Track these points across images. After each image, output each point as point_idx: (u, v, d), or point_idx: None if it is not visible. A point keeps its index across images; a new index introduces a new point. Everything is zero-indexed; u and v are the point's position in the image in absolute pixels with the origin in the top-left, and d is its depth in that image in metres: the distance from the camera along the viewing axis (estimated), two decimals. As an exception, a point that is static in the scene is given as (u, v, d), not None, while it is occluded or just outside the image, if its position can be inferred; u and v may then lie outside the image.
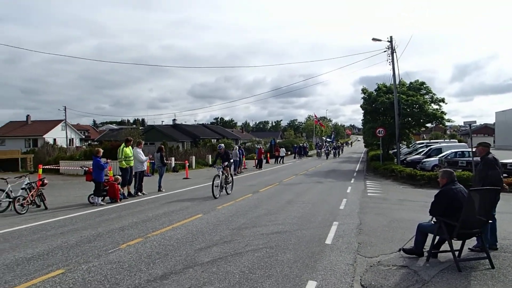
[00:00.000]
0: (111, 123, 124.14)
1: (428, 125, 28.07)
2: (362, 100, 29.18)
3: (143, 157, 13.37)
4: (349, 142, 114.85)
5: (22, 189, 10.68)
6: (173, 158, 27.16)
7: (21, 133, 60.90)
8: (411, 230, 8.11)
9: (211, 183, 12.94)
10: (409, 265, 5.69)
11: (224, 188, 13.33)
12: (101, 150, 12.06)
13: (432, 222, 5.98)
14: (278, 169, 28.99)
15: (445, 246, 5.82)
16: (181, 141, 56.83)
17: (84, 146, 55.85)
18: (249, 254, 6.18)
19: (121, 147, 12.68)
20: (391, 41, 24.01)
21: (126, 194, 12.77)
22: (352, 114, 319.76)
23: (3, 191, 10.37)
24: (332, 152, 50.02)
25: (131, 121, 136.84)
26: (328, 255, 6.24)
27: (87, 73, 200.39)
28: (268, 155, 39.53)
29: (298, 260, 5.95)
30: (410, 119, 27.26)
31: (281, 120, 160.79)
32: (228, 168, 13.91)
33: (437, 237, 5.92)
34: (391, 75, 25.06)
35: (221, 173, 12.99)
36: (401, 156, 29.26)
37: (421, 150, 30.99)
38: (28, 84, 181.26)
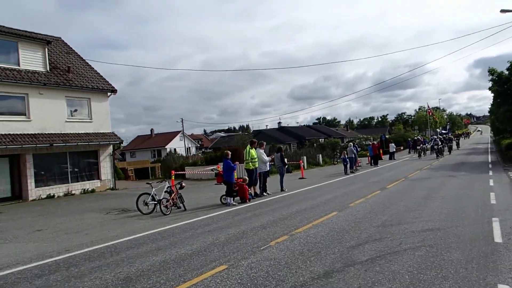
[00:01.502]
0: (219, 131, 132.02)
1: None
2: (491, 82, 25.66)
3: (266, 158, 13.61)
4: (467, 132, 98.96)
5: (165, 192, 11.65)
6: (285, 159, 27.35)
7: (147, 145, 68.40)
8: None
9: None
10: None
11: None
12: (230, 153, 12.60)
13: None
14: (396, 165, 27.17)
15: None
16: (287, 143, 57.52)
17: (199, 154, 60.06)
18: (408, 253, 5.64)
19: (247, 149, 13.10)
20: (527, 10, 20.65)
21: (252, 194, 13.11)
22: (467, 102, 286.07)
23: (149, 194, 11.43)
24: (438, 147, 31.94)
25: (237, 127, 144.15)
26: (506, 255, 5.36)
27: (196, 86, 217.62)
28: (381, 151, 37.42)
29: (471, 260, 5.22)
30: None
31: (387, 114, 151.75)
32: None
33: None
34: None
35: None
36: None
37: None
38: (148, 102, 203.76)
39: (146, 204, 11.25)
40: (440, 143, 32.99)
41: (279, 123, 69.64)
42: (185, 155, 53.41)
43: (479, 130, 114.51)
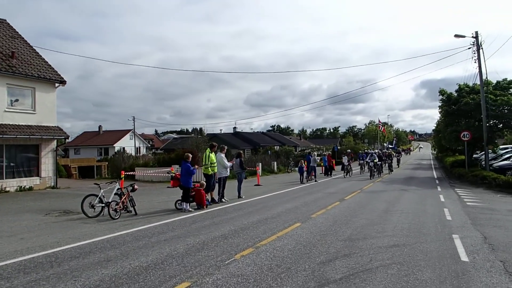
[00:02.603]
0: (171, 132, 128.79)
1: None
2: (441, 102, 27.08)
3: (228, 163, 13.07)
4: (408, 148, 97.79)
5: (115, 194, 10.73)
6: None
7: (94, 143, 64.79)
8: (557, 247, 6.95)
9: None
10: None
11: None
12: (191, 155, 11.90)
13: None
14: (350, 177, 27.65)
15: None
16: (242, 149, 56.99)
17: (150, 154, 57.93)
18: (381, 272, 5.39)
19: (207, 153, 12.46)
20: (476, 37, 22.01)
21: (209, 200, 12.50)
22: (412, 120, 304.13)
23: (97, 196, 10.45)
24: (375, 164, 25.33)
25: (190, 130, 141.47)
26: (476, 276, 5.27)
27: (151, 86, 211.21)
28: (334, 162, 38.16)
29: (444, 280, 5.05)
30: (496, 121, 24.78)
31: (339, 126, 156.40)
32: None
33: None
34: (476, 73, 23.03)
35: None
36: (483, 162, 26.67)
37: (507, 155, 28.05)
38: (98, 97, 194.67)
39: (92, 206, 10.27)
40: (377, 160, 26.13)
41: (235, 128, 69.20)
42: (134, 155, 51.22)
43: (421, 147, 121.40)
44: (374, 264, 5.73)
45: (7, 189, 17.86)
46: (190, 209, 11.21)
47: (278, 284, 4.80)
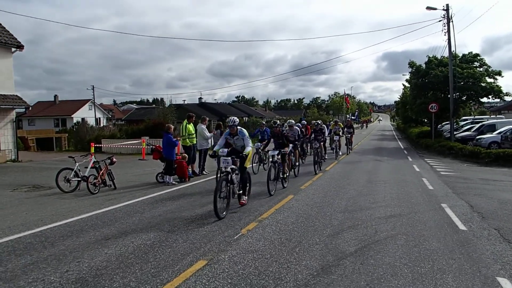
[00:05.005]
0: (130, 102, 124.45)
1: (484, 99, 26.45)
2: (410, 74, 27.67)
3: (208, 134, 12.65)
4: (366, 120, 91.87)
5: (92, 168, 10.10)
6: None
7: (50, 113, 61.18)
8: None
9: None
10: None
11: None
12: (172, 126, 11.35)
13: None
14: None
15: None
16: (208, 120, 56.30)
17: (111, 125, 55.67)
18: (390, 243, 5.41)
19: (184, 124, 11.97)
20: (447, 10, 22.39)
21: (191, 172, 12.13)
22: (372, 92, 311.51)
23: (72, 169, 9.80)
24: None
25: (150, 100, 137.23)
26: (480, 244, 5.44)
27: (109, 52, 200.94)
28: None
29: (453, 250, 5.15)
30: (460, 93, 25.72)
31: (303, 98, 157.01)
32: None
33: None
34: (446, 46, 23.58)
35: None
36: (446, 133, 27.86)
37: (467, 127, 29.45)
38: (50, 65, 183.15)
39: (68, 180, 9.63)
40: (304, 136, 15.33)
41: (200, 98, 67.61)
42: (95, 126, 48.99)
43: (380, 119, 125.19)
44: (381, 236, 5.74)
45: (-37, 162, 16.49)
46: (174, 182, 10.82)
47: (295, 258, 4.67)
